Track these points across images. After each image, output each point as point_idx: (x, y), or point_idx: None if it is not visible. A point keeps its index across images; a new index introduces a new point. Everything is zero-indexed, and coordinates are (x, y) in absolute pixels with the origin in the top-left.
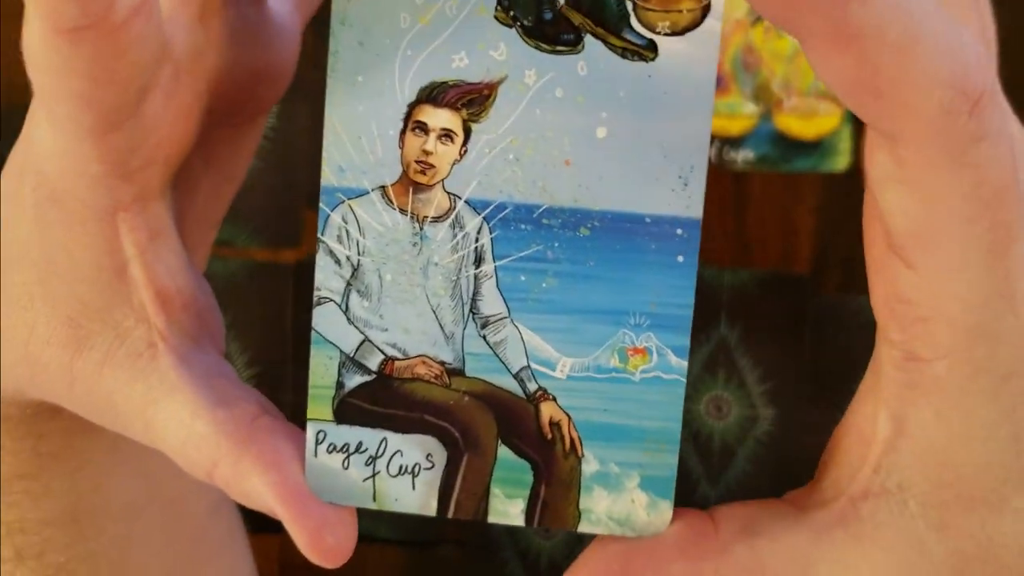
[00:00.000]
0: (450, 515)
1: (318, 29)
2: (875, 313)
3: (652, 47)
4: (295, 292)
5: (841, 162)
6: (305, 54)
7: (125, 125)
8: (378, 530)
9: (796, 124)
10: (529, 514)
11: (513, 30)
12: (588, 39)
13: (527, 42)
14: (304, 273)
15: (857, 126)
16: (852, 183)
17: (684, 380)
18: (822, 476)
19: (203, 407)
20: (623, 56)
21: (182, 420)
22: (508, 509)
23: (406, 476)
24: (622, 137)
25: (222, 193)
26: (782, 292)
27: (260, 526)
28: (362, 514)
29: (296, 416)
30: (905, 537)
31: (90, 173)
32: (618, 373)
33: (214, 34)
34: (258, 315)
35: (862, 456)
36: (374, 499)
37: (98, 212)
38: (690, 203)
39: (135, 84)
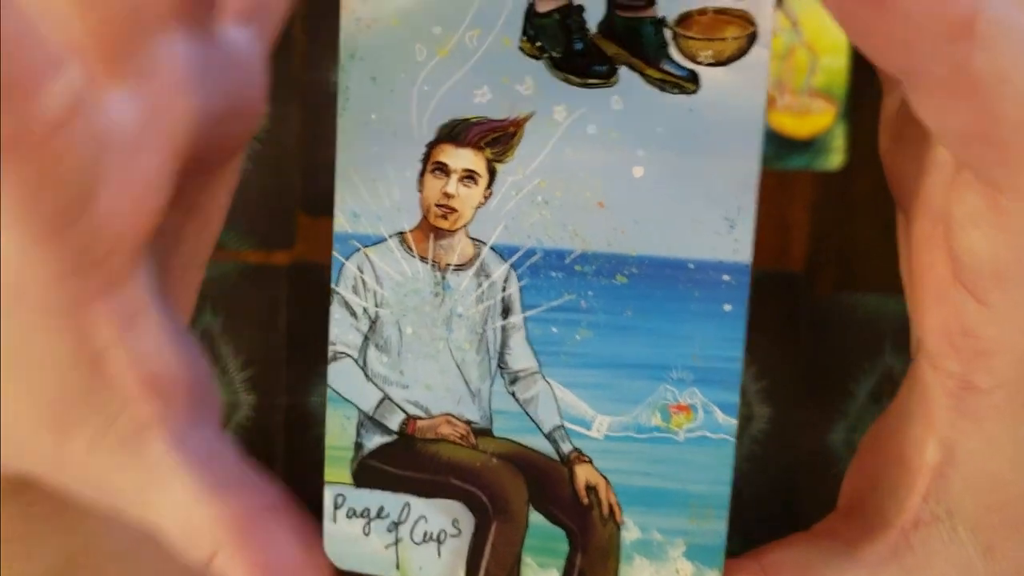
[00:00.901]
0: None
1: (310, 28)
2: (926, 339)
3: (693, 78)
4: (288, 294)
5: (835, 160)
6: (297, 54)
7: (78, 223)
8: None
9: (790, 122)
10: None
11: (540, 62)
12: (623, 71)
13: (556, 75)
14: (297, 275)
15: (851, 124)
16: (846, 181)
17: (734, 440)
18: (862, 503)
19: (201, 494)
20: (662, 89)
21: (179, 507)
22: None
23: (431, 544)
24: (661, 176)
25: (206, 235)
26: (776, 290)
27: None
28: None
29: (291, 417)
30: (956, 564)
31: (47, 273)
32: (660, 432)
33: (166, 96)
34: (251, 317)
35: (908, 484)
36: (397, 567)
37: (63, 309)
38: (737, 247)
39: (78, 184)
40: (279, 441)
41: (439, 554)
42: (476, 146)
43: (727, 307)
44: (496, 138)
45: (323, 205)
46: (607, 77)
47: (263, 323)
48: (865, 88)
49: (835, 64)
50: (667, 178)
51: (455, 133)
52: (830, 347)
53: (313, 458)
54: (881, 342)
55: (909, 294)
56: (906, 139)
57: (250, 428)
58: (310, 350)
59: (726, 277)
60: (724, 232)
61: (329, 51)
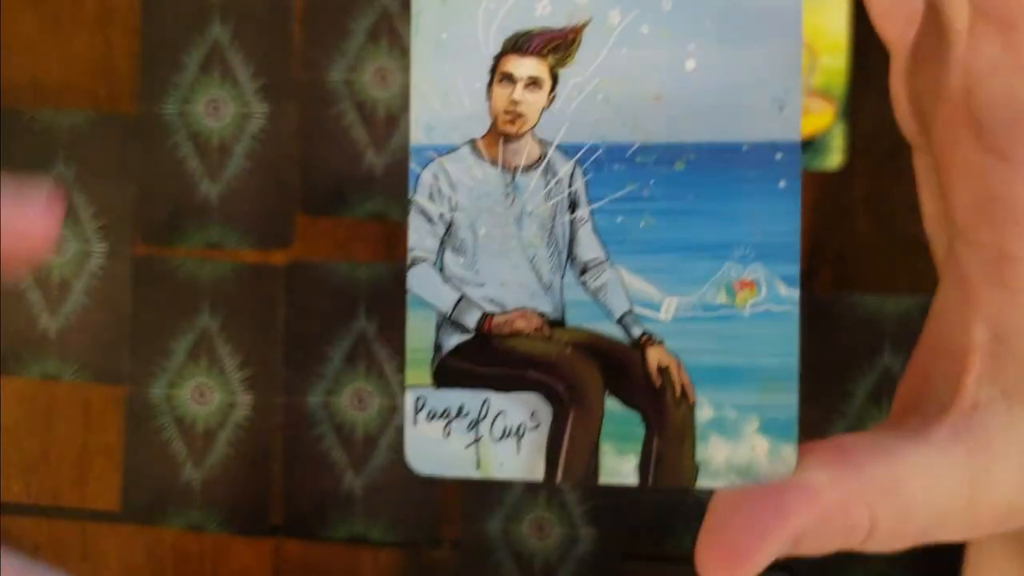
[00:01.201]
0: (559, 480)
1: (308, 28)
2: (957, 217)
3: None
4: (286, 293)
5: (834, 160)
6: (295, 53)
7: None
8: (372, 532)
9: None
10: (643, 471)
11: None
12: None
13: None
14: (295, 274)
15: (850, 124)
16: (845, 181)
17: (797, 310)
18: (917, 401)
19: None
20: None
21: None
22: (620, 467)
23: (510, 439)
24: (712, 67)
25: None
26: None
27: (253, 529)
28: (353, 515)
29: (289, 417)
30: (1016, 441)
31: None
32: (726, 309)
33: None
34: (249, 317)
35: (959, 369)
36: (477, 467)
37: None
38: (787, 126)
39: None
40: (277, 440)
41: (518, 449)
42: (539, 54)
43: (782, 183)
44: (557, 45)
45: (321, 205)
46: None
47: (261, 323)
48: (864, 88)
49: (834, 64)
50: (718, 68)
51: (519, 44)
52: (829, 347)
53: (311, 456)
54: (880, 342)
55: (941, 184)
56: (926, 60)
57: (248, 427)
58: (308, 349)
59: (779, 155)
60: (774, 113)
61: (327, 51)
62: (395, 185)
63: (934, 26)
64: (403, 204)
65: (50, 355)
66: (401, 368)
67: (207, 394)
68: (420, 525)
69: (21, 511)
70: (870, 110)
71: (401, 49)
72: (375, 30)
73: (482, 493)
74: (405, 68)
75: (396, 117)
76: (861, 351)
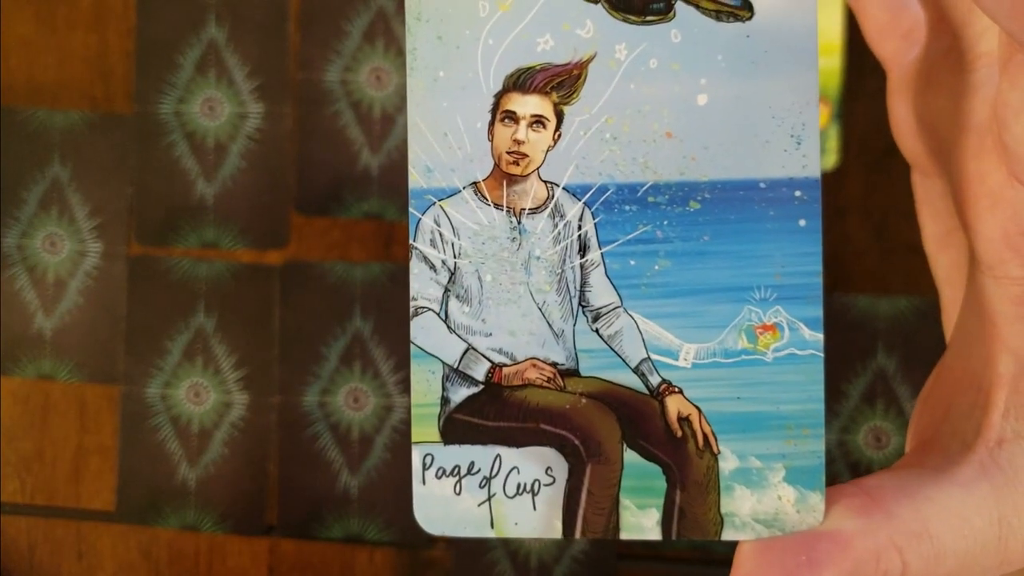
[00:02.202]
0: (577, 535)
1: (303, 28)
2: (984, 251)
3: (747, 6)
4: (282, 293)
5: (827, 161)
6: (291, 54)
7: None
8: (367, 532)
9: None
10: (666, 525)
11: (599, 6)
12: (679, 5)
13: (614, 16)
14: (291, 274)
15: (843, 126)
16: (838, 182)
17: (822, 355)
18: (937, 436)
19: None
20: (717, 19)
21: None
22: (641, 522)
23: (525, 496)
24: (725, 102)
25: None
26: None
27: (249, 528)
28: (349, 514)
29: (284, 416)
30: None
31: None
32: (748, 355)
33: None
34: (245, 317)
35: (984, 403)
36: (491, 526)
37: None
38: (806, 162)
39: None
40: (272, 440)
41: (534, 506)
42: (542, 91)
43: (802, 222)
44: (561, 82)
45: (316, 204)
46: (665, 13)
47: (256, 322)
48: (857, 90)
49: (828, 65)
50: (731, 103)
51: (521, 81)
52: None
53: (306, 456)
54: (874, 343)
55: (962, 214)
56: (938, 83)
57: (243, 427)
58: (303, 349)
59: (798, 193)
60: (792, 149)
61: (322, 51)
62: (390, 185)
63: (948, 48)
64: (399, 204)
65: (45, 355)
66: (396, 369)
67: (202, 394)
68: (415, 524)
69: (16, 510)
70: (863, 112)
71: (397, 49)
72: (371, 31)
73: None
74: (400, 68)
75: (392, 117)
76: (854, 352)
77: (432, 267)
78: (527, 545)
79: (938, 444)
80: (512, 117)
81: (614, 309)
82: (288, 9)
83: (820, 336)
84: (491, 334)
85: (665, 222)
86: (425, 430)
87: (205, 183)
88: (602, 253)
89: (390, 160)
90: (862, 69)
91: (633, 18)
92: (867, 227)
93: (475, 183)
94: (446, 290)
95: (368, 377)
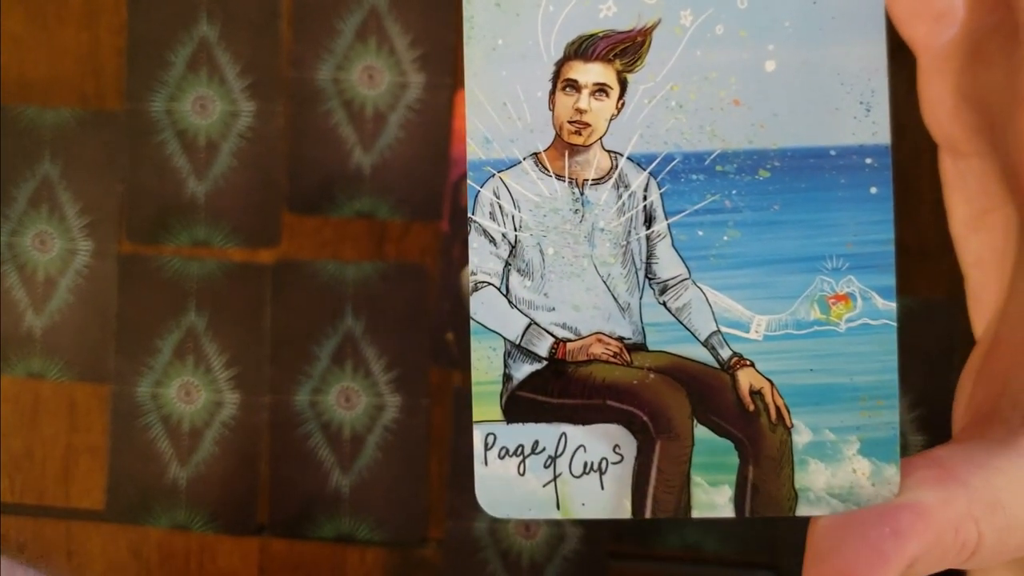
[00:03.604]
0: (648, 514)
1: (296, 26)
2: None
3: None
4: (273, 292)
5: None
6: (282, 52)
7: None
8: (359, 531)
9: None
10: (739, 502)
11: None
12: None
13: None
14: (282, 273)
15: None
16: None
17: (895, 324)
18: (995, 409)
19: None
20: None
21: None
22: (714, 499)
23: (592, 475)
24: (793, 68)
25: None
26: None
27: (240, 528)
28: (340, 514)
29: (275, 415)
30: None
31: None
32: (821, 326)
33: None
34: (236, 316)
35: None
36: (558, 507)
37: None
38: (876, 129)
39: None
40: (263, 439)
41: (602, 485)
42: (605, 59)
43: (873, 190)
44: (624, 49)
45: (308, 203)
46: None
47: (247, 321)
48: None
49: None
50: (799, 69)
51: (583, 49)
52: None
53: (297, 455)
54: None
55: (1019, 187)
56: (986, 59)
57: (234, 426)
58: (295, 348)
59: (869, 160)
60: (861, 116)
61: (315, 49)
62: (383, 184)
63: (998, 23)
64: (391, 203)
65: (35, 353)
66: (388, 368)
67: (193, 393)
68: (407, 524)
69: (6, 510)
70: None
71: (389, 48)
72: (363, 29)
73: (468, 491)
74: (392, 67)
75: (384, 116)
76: None
77: (492, 240)
78: (518, 544)
79: (997, 418)
80: (574, 86)
81: (682, 281)
82: (280, 7)
83: (893, 305)
84: (554, 308)
85: (734, 191)
86: (487, 409)
87: (196, 181)
88: (668, 224)
89: (382, 159)
90: None
91: None
92: None
93: (535, 154)
94: (507, 264)
95: (360, 376)
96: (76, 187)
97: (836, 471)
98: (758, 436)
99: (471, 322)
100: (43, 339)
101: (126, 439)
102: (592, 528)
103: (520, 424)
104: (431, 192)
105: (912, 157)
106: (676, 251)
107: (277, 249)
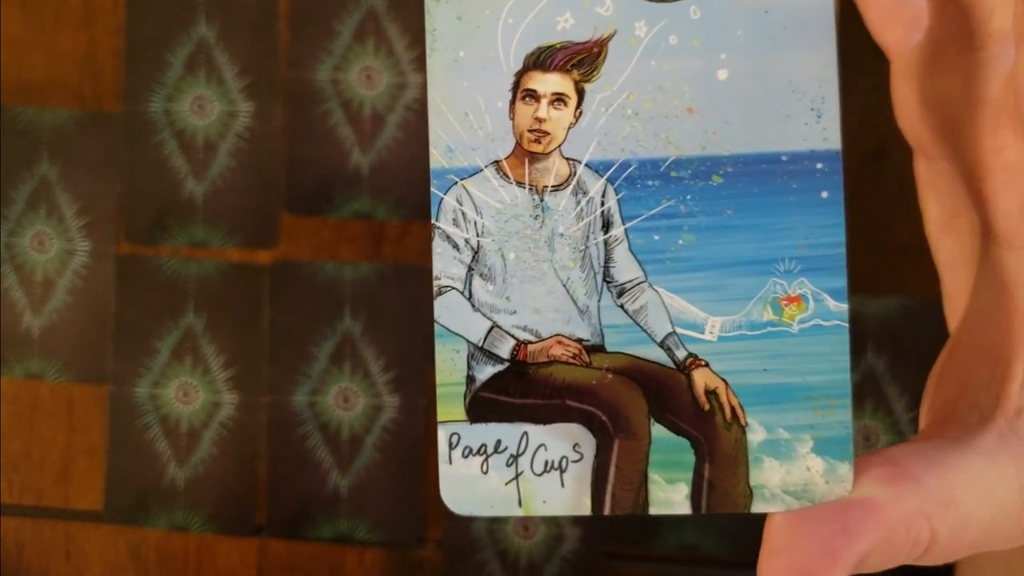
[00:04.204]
0: (606, 511)
1: (294, 27)
2: (1000, 224)
3: None
4: (271, 293)
5: None
6: (281, 53)
7: None
8: (357, 532)
9: None
10: (695, 499)
11: None
12: None
13: None
14: (280, 273)
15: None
16: None
17: (847, 325)
18: (954, 409)
19: None
20: None
21: None
22: (671, 496)
23: (553, 473)
24: (745, 77)
25: None
26: None
27: (238, 529)
28: (338, 514)
29: (273, 415)
30: None
31: None
32: (774, 327)
33: None
34: (234, 316)
35: (1001, 375)
36: (520, 504)
37: None
38: (827, 135)
39: None
40: (262, 439)
41: (562, 483)
42: (563, 70)
43: (824, 194)
44: (581, 59)
45: (306, 204)
46: None
47: (246, 322)
48: (847, 89)
49: None
50: (751, 77)
51: (542, 60)
52: None
53: (296, 456)
54: (863, 343)
55: (977, 189)
56: (946, 63)
57: (232, 427)
58: (293, 349)
59: (820, 165)
60: (812, 122)
61: (313, 50)
62: (381, 185)
63: (956, 29)
64: (389, 203)
65: (33, 354)
66: (386, 369)
67: (191, 393)
68: (405, 524)
69: (4, 511)
70: (852, 112)
71: (388, 49)
72: (361, 30)
73: None
74: (391, 68)
75: (382, 116)
76: None
77: (455, 246)
78: (517, 545)
79: (956, 418)
80: (533, 95)
81: (639, 284)
82: (278, 8)
83: (845, 306)
84: (516, 312)
85: (688, 196)
86: (451, 409)
87: (194, 182)
88: (625, 229)
89: (380, 159)
90: (851, 70)
91: None
92: (856, 227)
93: (497, 162)
94: (470, 269)
95: (358, 377)
96: (74, 188)
97: (790, 469)
98: (714, 435)
99: (435, 325)
100: (41, 340)
101: (124, 440)
102: (590, 529)
103: (483, 424)
104: (430, 193)
105: (910, 157)
106: (633, 255)
107: (275, 250)
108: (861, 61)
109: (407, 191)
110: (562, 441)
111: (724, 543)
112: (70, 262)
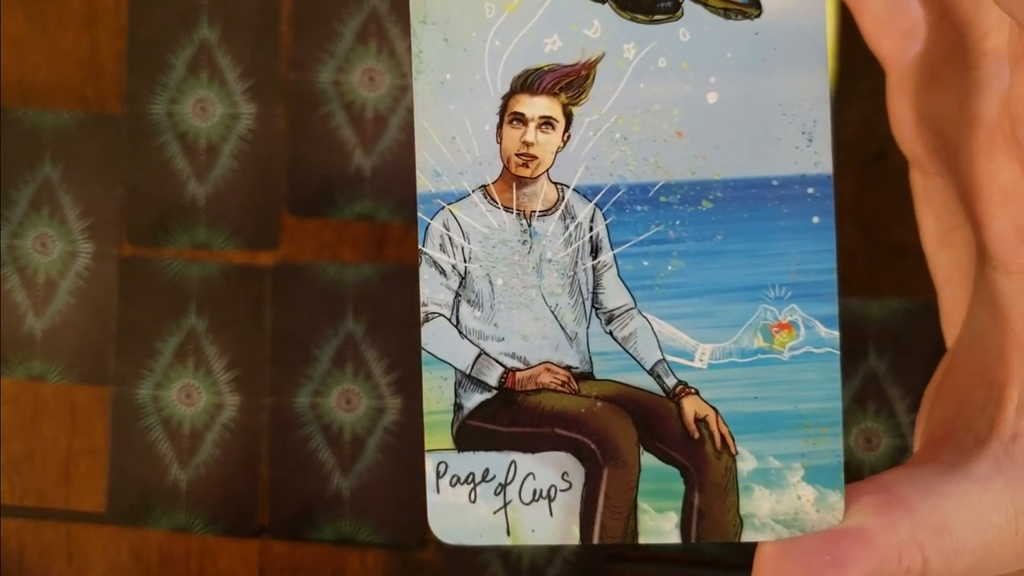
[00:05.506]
0: (595, 541)
1: (296, 29)
2: (995, 248)
3: (755, 3)
4: (273, 294)
5: None
6: (283, 54)
7: None
8: (359, 533)
9: None
10: (685, 528)
11: (606, 5)
12: (687, 4)
13: (622, 15)
14: (282, 275)
15: (834, 128)
16: None
17: (838, 352)
18: (949, 432)
19: None
20: (726, 17)
21: None
22: (660, 525)
23: (541, 502)
24: (735, 100)
25: None
26: None
27: (240, 530)
28: (340, 513)
29: (276, 417)
30: None
31: None
32: (764, 354)
33: None
34: (236, 318)
35: (997, 399)
36: (508, 533)
37: None
38: (818, 159)
39: None
40: (264, 441)
41: (551, 512)
42: (551, 93)
43: (815, 219)
44: (569, 82)
45: (308, 205)
46: (673, 11)
47: (248, 324)
48: (849, 93)
49: None
50: (741, 101)
51: (529, 83)
52: None
53: (298, 458)
54: (864, 345)
55: (972, 211)
56: (941, 81)
57: (235, 428)
58: (295, 350)
59: (811, 190)
60: (803, 146)
61: (315, 52)
62: (383, 187)
63: (951, 46)
64: (391, 205)
65: (36, 356)
66: (389, 370)
67: (194, 395)
68: (407, 526)
69: (6, 512)
70: (854, 115)
71: (389, 51)
72: (363, 32)
73: None
74: (393, 69)
75: (384, 118)
76: (845, 354)
77: (442, 272)
78: (518, 547)
79: (951, 440)
80: (520, 119)
81: (628, 311)
82: (280, 10)
83: (836, 334)
84: (503, 339)
85: (678, 222)
86: (438, 437)
87: (197, 184)
88: (614, 254)
89: (382, 161)
90: (853, 72)
91: (641, 17)
92: (858, 229)
93: (484, 186)
94: (457, 295)
95: (360, 379)
96: (77, 190)
97: (781, 498)
98: (703, 463)
99: (422, 352)
100: (44, 341)
101: (127, 441)
102: None
103: (471, 452)
104: None
105: None
106: (622, 281)
107: (277, 251)
108: (862, 63)
109: (409, 193)
110: (550, 470)
111: (725, 546)
112: (72, 264)
